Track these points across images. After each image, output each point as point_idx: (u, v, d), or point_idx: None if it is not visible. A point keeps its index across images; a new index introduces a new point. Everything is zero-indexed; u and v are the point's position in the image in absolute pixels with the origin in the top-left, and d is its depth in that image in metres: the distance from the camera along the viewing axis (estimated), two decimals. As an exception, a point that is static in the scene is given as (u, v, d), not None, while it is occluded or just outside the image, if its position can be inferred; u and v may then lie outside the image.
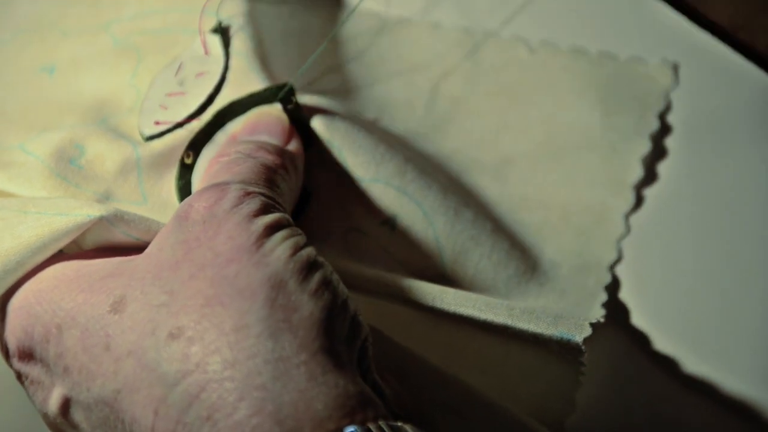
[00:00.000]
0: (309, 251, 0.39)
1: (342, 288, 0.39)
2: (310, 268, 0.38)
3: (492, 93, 0.56)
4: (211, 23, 0.52)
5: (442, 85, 0.57)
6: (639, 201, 0.54)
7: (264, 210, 0.40)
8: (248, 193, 0.41)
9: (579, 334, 0.44)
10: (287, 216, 0.41)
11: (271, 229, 0.39)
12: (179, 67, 0.51)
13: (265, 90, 0.49)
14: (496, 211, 0.53)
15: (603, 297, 0.51)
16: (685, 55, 0.57)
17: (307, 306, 0.37)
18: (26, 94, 0.51)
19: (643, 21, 0.58)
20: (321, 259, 0.39)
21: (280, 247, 0.38)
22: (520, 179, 0.54)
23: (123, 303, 0.38)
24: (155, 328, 0.37)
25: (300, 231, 0.41)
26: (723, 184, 0.55)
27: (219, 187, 0.41)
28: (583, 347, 0.44)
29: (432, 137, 0.55)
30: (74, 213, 0.41)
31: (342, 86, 0.56)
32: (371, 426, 0.34)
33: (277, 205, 0.42)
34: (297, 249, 0.39)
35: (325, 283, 0.38)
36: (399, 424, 0.35)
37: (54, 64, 0.53)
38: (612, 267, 0.52)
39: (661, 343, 0.52)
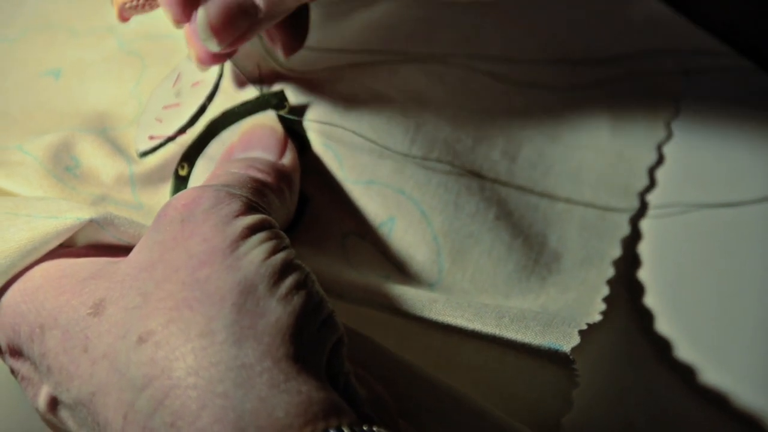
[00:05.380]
0: (285, 254, 0.38)
1: (317, 289, 0.38)
2: (283, 271, 0.37)
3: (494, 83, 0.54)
4: None
5: (448, 64, 0.54)
6: (644, 207, 0.53)
7: (246, 211, 0.39)
8: (231, 195, 0.40)
9: (567, 343, 0.43)
10: (270, 219, 0.40)
11: (250, 231, 0.38)
12: (177, 78, 0.50)
13: (258, 98, 0.48)
14: (503, 192, 0.51)
15: (605, 291, 0.49)
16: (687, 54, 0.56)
17: (274, 311, 0.36)
18: (30, 98, 0.51)
19: (643, 22, 0.57)
20: (297, 262, 0.38)
21: (255, 250, 0.37)
22: (528, 162, 0.53)
23: (102, 305, 0.37)
24: (127, 332, 0.36)
25: (281, 234, 0.39)
26: (727, 185, 0.54)
27: (201, 187, 0.40)
28: (571, 356, 0.43)
29: (449, 102, 0.53)
30: (64, 216, 0.41)
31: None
32: None
33: (261, 209, 0.40)
34: (273, 252, 0.37)
35: (297, 287, 0.37)
36: (365, 428, 0.34)
37: (60, 68, 0.52)
38: (615, 262, 0.51)
39: (663, 342, 0.50)
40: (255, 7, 0.44)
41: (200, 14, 0.44)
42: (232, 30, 0.44)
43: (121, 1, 0.47)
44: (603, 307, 0.48)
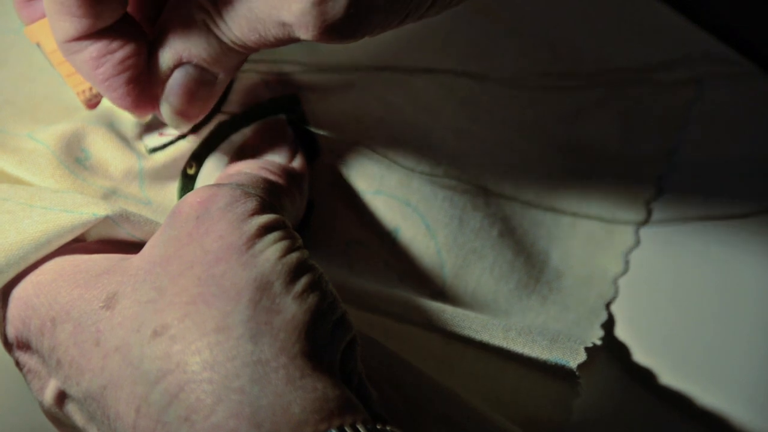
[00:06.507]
0: (299, 254, 0.38)
1: (330, 289, 0.38)
2: (298, 270, 0.37)
3: (506, 94, 0.54)
4: None
5: (457, 83, 0.54)
6: (650, 216, 0.53)
7: (260, 210, 0.39)
8: (246, 194, 0.40)
9: (573, 360, 0.43)
10: (284, 219, 0.40)
11: (265, 230, 0.38)
12: None
13: (270, 101, 0.48)
14: (507, 209, 0.52)
15: (603, 316, 0.49)
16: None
17: (290, 309, 0.36)
18: (35, 89, 0.50)
19: (644, 23, 0.57)
20: (311, 261, 0.38)
21: (271, 248, 0.37)
22: (534, 179, 0.53)
23: (115, 299, 0.37)
24: (141, 325, 0.36)
25: (295, 234, 0.39)
26: (731, 197, 0.54)
27: (216, 186, 0.40)
28: (577, 372, 0.43)
29: (460, 115, 0.53)
30: (80, 211, 0.41)
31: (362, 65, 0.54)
32: (348, 429, 0.33)
33: (275, 209, 0.40)
34: (287, 251, 0.37)
35: (312, 286, 0.37)
36: (379, 426, 0.34)
37: None
38: (616, 280, 0.51)
39: (661, 361, 0.50)
40: (211, 74, 0.43)
41: (164, 110, 0.44)
42: (198, 105, 0.44)
43: (82, 94, 0.46)
44: (601, 333, 0.48)
